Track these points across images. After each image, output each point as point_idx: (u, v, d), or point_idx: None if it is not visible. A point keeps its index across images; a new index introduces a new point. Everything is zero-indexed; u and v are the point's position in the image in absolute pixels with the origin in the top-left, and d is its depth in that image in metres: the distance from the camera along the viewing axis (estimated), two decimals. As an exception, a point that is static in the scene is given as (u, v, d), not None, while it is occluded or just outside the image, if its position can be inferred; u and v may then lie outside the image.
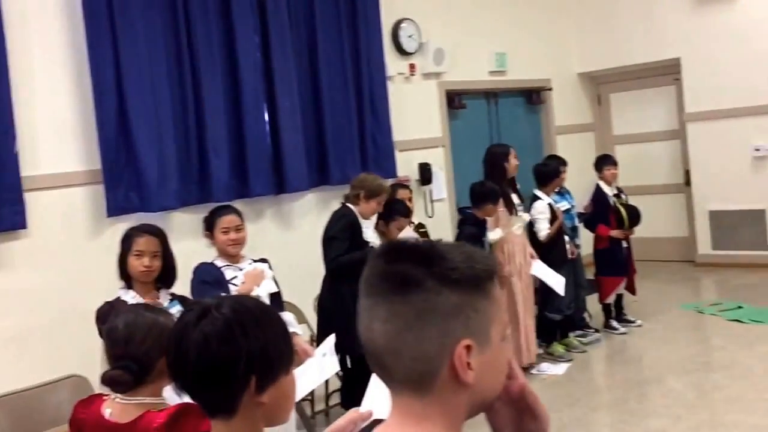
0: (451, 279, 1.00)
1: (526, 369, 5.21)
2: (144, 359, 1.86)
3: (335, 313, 4.04)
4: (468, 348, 1.00)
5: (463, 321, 1.00)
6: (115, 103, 5.01)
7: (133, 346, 1.87)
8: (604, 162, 6.31)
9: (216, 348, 1.34)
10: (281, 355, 1.39)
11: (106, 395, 2.00)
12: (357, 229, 4.14)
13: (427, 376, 1.00)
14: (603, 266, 6.15)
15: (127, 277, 3.25)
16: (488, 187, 5.11)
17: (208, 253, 4.23)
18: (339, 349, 4.11)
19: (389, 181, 6.51)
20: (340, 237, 4.10)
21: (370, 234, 4.29)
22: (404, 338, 1.00)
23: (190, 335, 1.36)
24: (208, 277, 3.60)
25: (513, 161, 5.43)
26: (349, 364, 4.22)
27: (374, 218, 4.52)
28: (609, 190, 6.25)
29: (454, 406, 1.02)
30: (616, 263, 6.13)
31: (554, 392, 4.94)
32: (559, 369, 5.40)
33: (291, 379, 1.43)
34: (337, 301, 4.06)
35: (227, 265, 3.68)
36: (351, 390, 4.18)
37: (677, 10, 8.07)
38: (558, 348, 5.65)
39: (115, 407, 1.90)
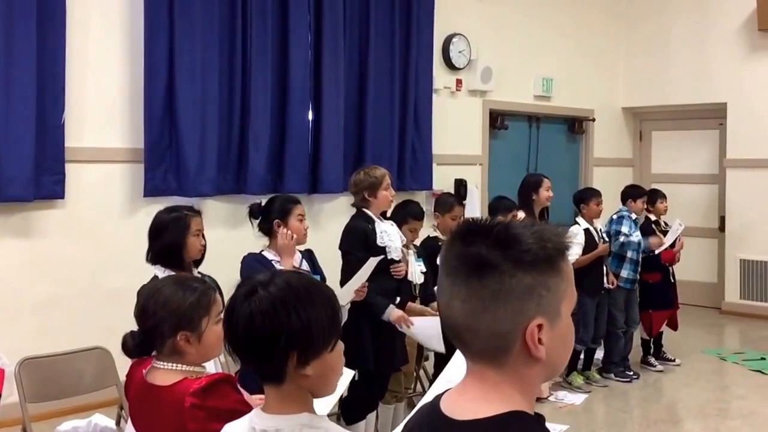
0: (524, 261, 1.06)
1: (542, 397, 5.15)
2: (151, 331, 1.94)
3: (348, 326, 4.00)
4: (539, 326, 1.06)
5: (536, 300, 1.06)
6: (164, 86, 5.07)
7: (145, 318, 1.96)
8: (656, 195, 6.27)
9: (260, 324, 1.43)
10: (324, 334, 1.45)
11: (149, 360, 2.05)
12: (371, 237, 3.99)
13: (502, 351, 1.07)
14: (654, 300, 6.06)
15: (170, 257, 3.26)
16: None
17: (238, 241, 4.26)
18: (349, 362, 4.06)
19: (423, 195, 6.54)
20: (354, 251, 3.98)
21: (389, 234, 4.05)
22: (481, 317, 1.06)
23: (239, 310, 1.46)
24: (258, 267, 3.60)
25: (544, 193, 5.33)
26: (356, 377, 4.19)
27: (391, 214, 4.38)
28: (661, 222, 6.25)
29: (526, 375, 1.09)
30: (666, 296, 6.10)
31: (569, 421, 4.89)
32: (577, 399, 5.34)
33: (336, 355, 1.49)
34: (351, 315, 4.00)
35: (276, 260, 3.64)
36: (353, 403, 4.13)
37: (728, 56, 8.01)
38: (577, 378, 5.58)
39: (154, 371, 1.97)
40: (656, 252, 5.96)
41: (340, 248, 4.11)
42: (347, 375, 2.34)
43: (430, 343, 4.18)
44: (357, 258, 3.95)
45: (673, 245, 6.03)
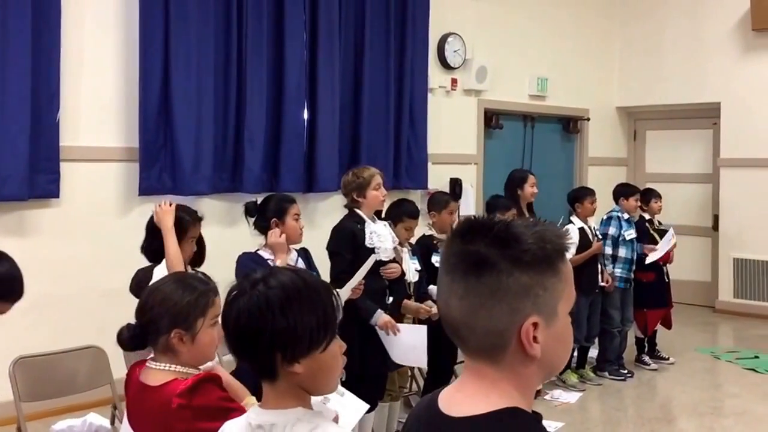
0: (522, 261, 1.06)
1: (538, 393, 5.17)
2: (147, 326, 1.96)
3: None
4: (535, 324, 1.07)
5: (532, 299, 1.07)
6: (159, 85, 5.07)
7: (143, 312, 1.98)
8: (651, 195, 6.28)
9: (245, 322, 1.45)
10: (312, 334, 1.44)
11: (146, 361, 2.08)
12: (359, 237, 3.97)
13: (498, 348, 1.08)
14: (648, 299, 6.07)
15: (162, 257, 3.29)
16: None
17: (234, 239, 4.26)
18: None
19: (418, 194, 6.55)
20: (342, 251, 3.97)
21: (379, 234, 4.01)
22: (477, 314, 1.07)
23: (230, 308, 1.48)
24: (253, 266, 3.58)
25: (528, 189, 5.40)
26: (343, 378, 4.15)
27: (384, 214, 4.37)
28: (655, 221, 6.26)
29: (523, 374, 1.10)
30: (660, 295, 6.11)
31: (564, 419, 4.90)
32: (572, 397, 5.36)
33: (329, 355, 1.48)
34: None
35: (272, 259, 3.64)
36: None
37: (722, 55, 8.04)
38: (571, 377, 5.60)
39: (147, 371, 1.99)
40: (646, 262, 5.95)
41: (327, 249, 4.08)
42: (360, 408, 2.33)
43: (411, 355, 4.05)
44: (344, 259, 3.94)
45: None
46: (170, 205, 3.38)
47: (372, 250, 3.94)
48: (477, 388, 1.10)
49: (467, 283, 1.08)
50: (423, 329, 4.04)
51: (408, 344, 3.99)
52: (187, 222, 3.38)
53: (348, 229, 4.00)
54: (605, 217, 5.96)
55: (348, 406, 2.99)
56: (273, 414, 1.46)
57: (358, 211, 4.06)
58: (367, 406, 2.38)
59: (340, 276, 3.84)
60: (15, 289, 2.52)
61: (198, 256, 3.50)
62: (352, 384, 3.98)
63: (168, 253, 3.19)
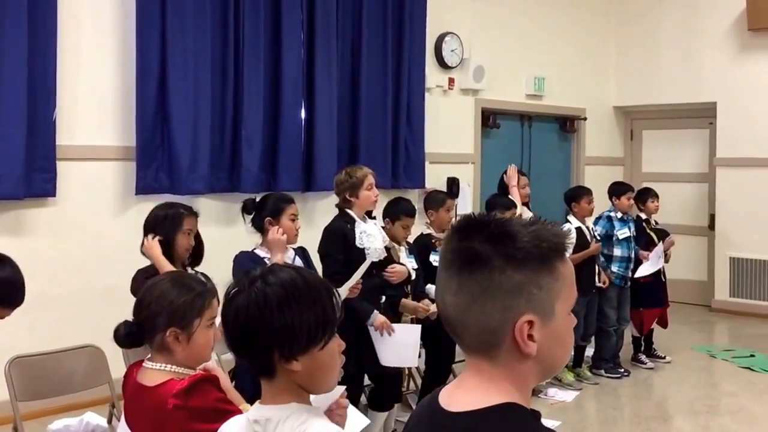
0: (516, 258, 1.06)
1: (534, 392, 5.17)
2: (143, 324, 1.96)
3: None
4: (530, 322, 1.06)
5: (526, 297, 1.06)
6: (156, 84, 5.06)
7: (140, 309, 1.99)
8: (647, 194, 6.28)
9: (243, 320, 1.44)
10: (310, 332, 1.44)
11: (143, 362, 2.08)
12: (350, 238, 3.95)
13: (493, 345, 1.08)
14: (644, 298, 6.07)
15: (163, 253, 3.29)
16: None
17: (232, 239, 4.26)
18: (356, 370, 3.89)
19: (416, 193, 6.56)
20: (333, 253, 3.96)
21: (369, 234, 4.00)
22: (470, 311, 1.07)
23: (229, 305, 1.48)
24: (251, 265, 3.58)
25: (519, 189, 5.45)
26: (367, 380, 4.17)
27: (375, 216, 4.34)
28: (652, 221, 6.26)
29: (520, 371, 1.09)
30: (656, 294, 6.11)
31: (560, 418, 4.91)
32: (568, 396, 5.36)
33: (327, 353, 1.48)
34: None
35: (269, 258, 3.62)
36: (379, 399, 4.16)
37: (718, 55, 8.06)
38: (567, 375, 5.61)
39: (144, 371, 1.99)
40: (635, 276, 5.91)
41: (318, 251, 4.06)
42: (360, 423, 2.31)
43: (401, 355, 4.02)
44: (336, 260, 3.94)
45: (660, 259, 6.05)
46: (153, 239, 3.37)
47: (362, 251, 3.95)
48: (476, 383, 1.10)
49: (460, 278, 1.08)
50: (417, 329, 4.05)
51: (400, 344, 3.99)
52: (181, 215, 3.37)
53: (338, 230, 4.00)
54: (597, 216, 5.97)
55: (347, 418, 2.95)
56: (269, 409, 1.47)
57: (348, 211, 4.06)
58: (367, 422, 2.35)
59: (335, 277, 3.79)
60: (15, 295, 2.50)
61: (196, 255, 3.49)
62: (348, 383, 3.97)
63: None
